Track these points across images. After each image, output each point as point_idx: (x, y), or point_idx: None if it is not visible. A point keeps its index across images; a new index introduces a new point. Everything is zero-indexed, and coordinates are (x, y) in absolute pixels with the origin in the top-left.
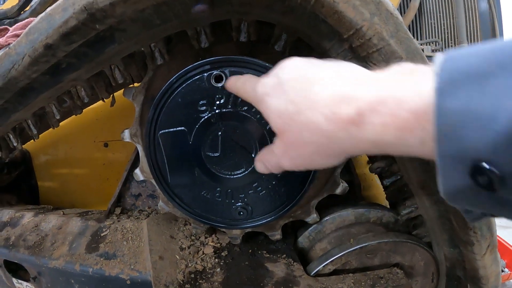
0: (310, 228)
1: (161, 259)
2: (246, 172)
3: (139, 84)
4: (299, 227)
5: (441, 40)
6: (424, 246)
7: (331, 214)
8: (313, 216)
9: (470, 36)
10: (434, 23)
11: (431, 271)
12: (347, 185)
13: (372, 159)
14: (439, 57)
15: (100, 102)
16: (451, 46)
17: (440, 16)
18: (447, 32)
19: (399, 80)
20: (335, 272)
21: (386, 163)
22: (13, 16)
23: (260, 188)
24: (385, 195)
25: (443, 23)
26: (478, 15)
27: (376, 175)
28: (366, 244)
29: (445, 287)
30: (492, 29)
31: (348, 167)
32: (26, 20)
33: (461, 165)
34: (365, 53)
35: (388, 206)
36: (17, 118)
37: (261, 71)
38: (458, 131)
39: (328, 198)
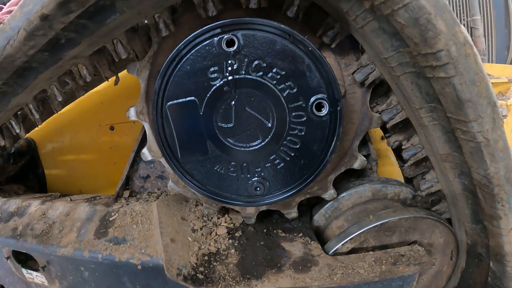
0: (326, 206)
1: (172, 242)
2: (263, 143)
3: (143, 59)
4: (314, 205)
5: (454, 13)
6: (445, 222)
7: (347, 190)
8: (331, 192)
9: (483, 8)
10: None
11: (450, 249)
12: (364, 159)
13: (388, 132)
14: None
15: (104, 84)
16: (464, 19)
17: None
18: (460, 5)
19: None
20: (353, 251)
21: (404, 136)
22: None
23: (278, 160)
24: (402, 170)
25: None
26: None
27: (392, 150)
28: (387, 220)
29: (465, 265)
30: (505, 2)
31: (365, 140)
32: None
33: None
34: (390, 10)
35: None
36: (18, 102)
37: (276, 33)
38: None
39: (344, 173)
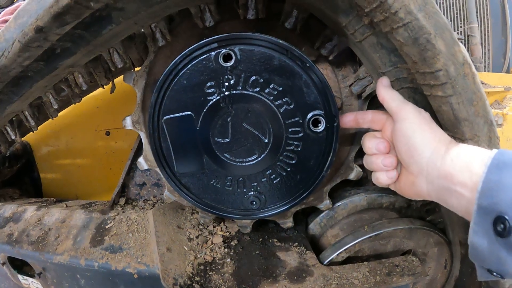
0: (322, 215)
1: (169, 251)
2: (259, 158)
3: (140, 68)
4: (310, 214)
5: (451, 20)
6: (439, 233)
7: (343, 199)
8: (326, 203)
9: (480, 16)
10: (444, 3)
11: (444, 258)
12: (360, 169)
13: None
14: (494, 150)
15: (100, 89)
16: (461, 26)
17: None
18: (457, 13)
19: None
20: (348, 260)
21: None
22: (6, 6)
23: (274, 175)
24: None
25: (452, 3)
26: None
27: None
28: (381, 231)
29: (458, 273)
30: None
31: (361, 151)
32: (16, 4)
33: (489, 216)
34: (389, 28)
35: None
36: (13, 109)
37: (274, 48)
38: (494, 192)
39: (339, 182)
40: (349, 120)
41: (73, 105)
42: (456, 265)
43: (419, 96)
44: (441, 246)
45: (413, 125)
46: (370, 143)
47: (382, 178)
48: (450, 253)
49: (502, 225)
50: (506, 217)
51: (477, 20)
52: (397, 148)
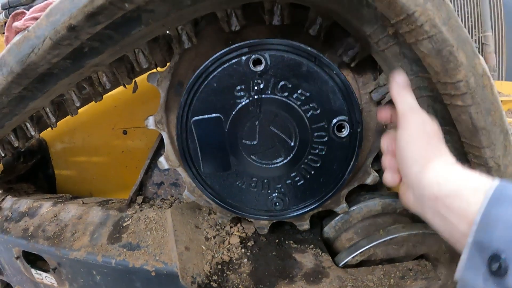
0: (337, 218)
1: (187, 250)
2: (285, 161)
3: (164, 69)
4: (325, 217)
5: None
6: None
7: (358, 203)
8: (343, 206)
9: (495, 25)
10: (458, 11)
11: (455, 264)
12: (377, 174)
13: None
14: (495, 181)
15: (118, 89)
16: (475, 34)
17: (464, 4)
18: (471, 21)
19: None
20: (361, 264)
21: None
22: (27, 3)
23: (298, 178)
24: None
25: (467, 11)
26: (502, 4)
27: None
28: (396, 235)
29: None
30: None
31: (377, 156)
32: (45, 2)
33: (485, 252)
34: (414, 39)
35: None
36: (35, 106)
37: (302, 55)
38: (493, 228)
39: (355, 187)
40: (386, 114)
41: (90, 104)
42: None
43: (438, 105)
44: (453, 252)
45: (410, 137)
46: (384, 141)
47: (387, 177)
48: None
49: (497, 264)
50: (503, 256)
51: (492, 29)
52: (395, 154)
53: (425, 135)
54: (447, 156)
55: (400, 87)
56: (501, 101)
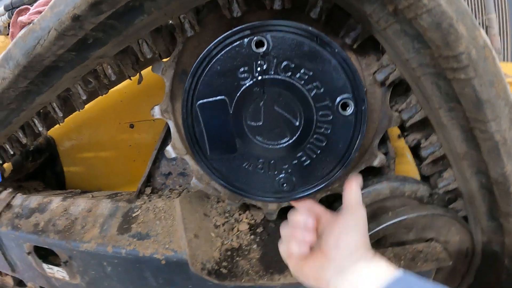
0: None
1: (196, 237)
2: (290, 141)
3: (168, 58)
4: (333, 202)
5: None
6: (461, 220)
7: (365, 188)
8: None
9: (498, 7)
10: None
11: (466, 246)
12: (384, 156)
13: (407, 130)
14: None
15: (124, 83)
16: (479, 17)
17: None
18: (475, 3)
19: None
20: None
21: (422, 135)
22: (30, 3)
23: (304, 158)
24: (419, 168)
25: None
26: None
27: (408, 148)
28: (405, 217)
29: (480, 262)
30: None
31: (384, 139)
32: None
33: None
34: (413, 14)
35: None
36: (42, 101)
37: (304, 35)
38: None
39: (362, 171)
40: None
41: (96, 99)
42: (478, 254)
43: (442, 81)
44: (463, 235)
45: (351, 227)
46: (300, 217)
47: (293, 247)
48: (472, 241)
49: None
50: None
51: (495, 11)
52: (326, 233)
53: (364, 229)
54: (370, 254)
55: (354, 183)
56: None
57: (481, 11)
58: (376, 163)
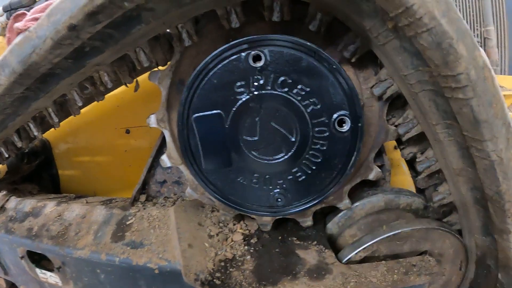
0: (340, 214)
1: (190, 247)
2: (286, 156)
3: (165, 67)
4: (328, 213)
5: (467, 23)
6: (455, 234)
7: (361, 200)
8: (346, 202)
9: (496, 19)
10: (460, 6)
11: (459, 259)
12: (380, 170)
13: (403, 144)
14: None
15: (120, 88)
16: (477, 29)
17: None
18: (473, 15)
19: None
20: (365, 259)
21: (419, 148)
22: (28, 5)
23: (299, 173)
24: (415, 181)
25: (469, 6)
26: None
27: (405, 161)
28: (399, 231)
29: (473, 276)
30: None
31: (379, 151)
32: (46, 2)
33: None
34: (413, 32)
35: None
36: (38, 106)
37: (302, 50)
38: None
39: (358, 183)
40: None
41: (93, 104)
42: (471, 267)
43: (440, 99)
44: (457, 248)
45: None
46: None
47: None
48: (466, 255)
49: None
50: None
51: (494, 23)
52: None
53: None
54: None
55: None
56: (504, 95)
57: (480, 22)
58: (371, 176)
